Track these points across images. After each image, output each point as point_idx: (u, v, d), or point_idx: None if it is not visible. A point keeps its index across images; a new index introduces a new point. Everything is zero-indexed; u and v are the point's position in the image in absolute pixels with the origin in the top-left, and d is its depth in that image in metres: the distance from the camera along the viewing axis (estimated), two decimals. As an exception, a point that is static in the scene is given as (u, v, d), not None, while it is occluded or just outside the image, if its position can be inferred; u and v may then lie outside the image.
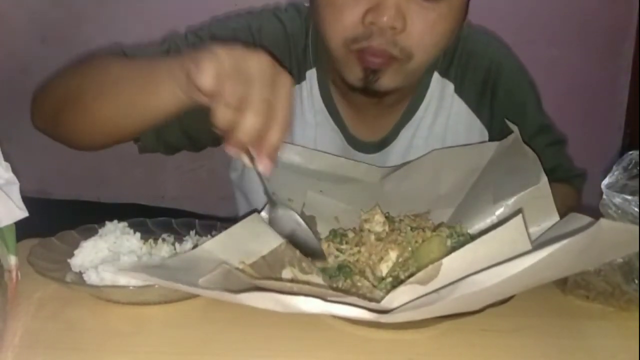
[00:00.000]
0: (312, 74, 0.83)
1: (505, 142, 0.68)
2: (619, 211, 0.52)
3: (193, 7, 1.47)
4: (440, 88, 0.84)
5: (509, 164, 0.66)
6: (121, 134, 0.71)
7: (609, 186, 0.54)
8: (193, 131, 0.80)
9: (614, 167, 0.56)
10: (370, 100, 0.78)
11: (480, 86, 0.84)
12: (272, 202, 0.62)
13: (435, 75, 0.84)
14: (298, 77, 0.83)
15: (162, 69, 0.62)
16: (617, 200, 0.52)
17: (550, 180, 0.61)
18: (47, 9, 1.69)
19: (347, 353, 0.50)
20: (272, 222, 0.61)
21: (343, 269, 0.58)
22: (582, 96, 1.56)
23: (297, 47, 0.83)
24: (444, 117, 0.84)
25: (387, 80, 0.71)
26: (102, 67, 0.70)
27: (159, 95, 0.61)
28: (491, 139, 0.83)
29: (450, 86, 0.84)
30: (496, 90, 0.84)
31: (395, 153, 0.84)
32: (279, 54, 0.76)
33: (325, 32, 0.72)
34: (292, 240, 0.59)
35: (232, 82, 0.51)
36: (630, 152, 0.56)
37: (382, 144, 0.85)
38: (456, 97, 0.85)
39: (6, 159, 0.54)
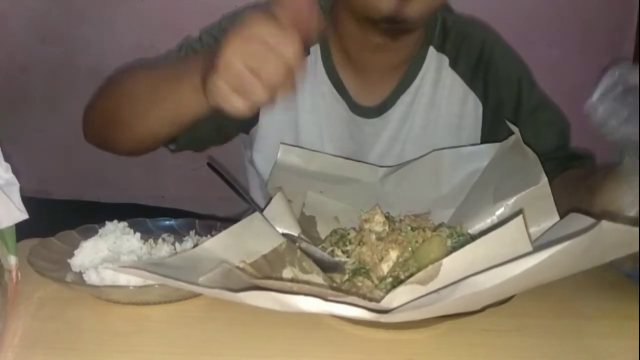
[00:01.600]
0: (315, 49, 0.88)
1: (505, 143, 0.68)
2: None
3: (193, 7, 1.47)
4: (436, 61, 0.89)
5: (509, 165, 0.66)
6: (160, 141, 0.80)
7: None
8: (223, 122, 0.83)
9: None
10: (384, 45, 0.82)
11: (473, 62, 0.89)
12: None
13: (431, 50, 0.89)
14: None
15: (184, 81, 0.67)
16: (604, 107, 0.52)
17: (556, 160, 0.62)
18: (47, 9, 1.69)
19: (347, 353, 0.50)
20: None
21: (359, 271, 0.59)
22: (582, 96, 1.56)
23: None
24: (441, 88, 0.89)
25: (416, 6, 0.74)
26: (134, 85, 0.77)
27: (186, 105, 0.68)
28: (485, 114, 0.89)
29: (445, 60, 0.89)
30: (489, 67, 0.89)
31: (394, 118, 0.88)
32: None
33: None
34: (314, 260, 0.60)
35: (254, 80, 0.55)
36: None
37: (382, 109, 0.88)
38: (450, 70, 0.89)
39: (6, 159, 0.54)
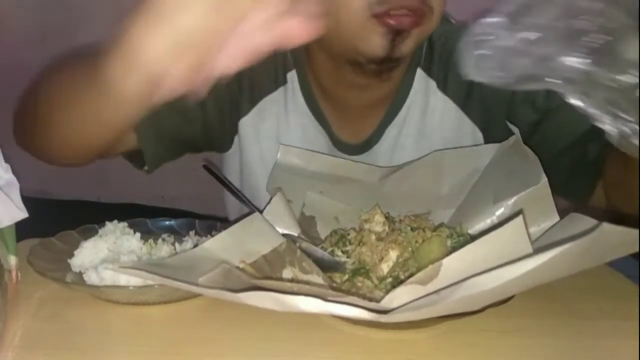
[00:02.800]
0: (292, 76, 0.82)
1: (505, 143, 0.68)
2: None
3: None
4: (424, 85, 0.81)
5: (509, 165, 0.66)
6: (94, 143, 0.63)
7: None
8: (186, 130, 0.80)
9: None
10: (367, 84, 0.75)
11: (465, 82, 0.78)
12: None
13: (419, 72, 0.81)
14: (279, 81, 0.82)
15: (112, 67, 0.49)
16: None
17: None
18: (47, 9, 1.69)
19: (347, 353, 0.50)
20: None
21: (358, 271, 0.59)
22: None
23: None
24: (431, 115, 0.81)
25: (410, 42, 0.68)
26: (62, 73, 0.62)
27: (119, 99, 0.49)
28: (488, 137, 0.80)
29: (432, 83, 0.81)
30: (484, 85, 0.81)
31: (381, 153, 0.82)
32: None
33: (341, 4, 0.66)
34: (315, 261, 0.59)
35: None
36: None
37: (366, 145, 0.82)
38: (440, 93, 0.80)
39: (6, 159, 0.54)
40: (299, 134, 0.82)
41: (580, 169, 0.73)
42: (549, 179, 0.61)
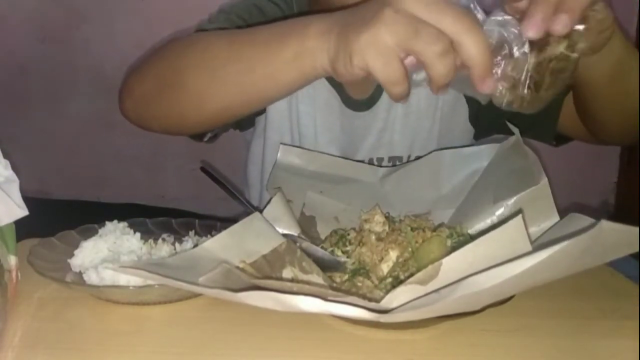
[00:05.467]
0: None
1: (506, 143, 0.68)
2: None
3: (193, 8, 1.47)
4: None
5: (509, 165, 0.66)
6: (229, 115, 0.67)
7: None
8: None
9: None
10: None
11: None
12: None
13: None
14: None
15: (287, 45, 0.55)
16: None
17: None
18: (47, 9, 1.69)
19: (346, 353, 0.50)
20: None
21: (358, 271, 0.59)
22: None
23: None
24: None
25: None
26: (208, 46, 0.64)
27: (284, 71, 0.55)
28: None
29: None
30: None
31: (381, 109, 0.87)
32: None
33: None
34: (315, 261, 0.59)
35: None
36: None
37: (370, 101, 0.87)
38: None
39: (6, 158, 0.54)
40: (311, 91, 0.85)
41: (543, 113, 0.74)
42: (515, 127, 0.65)
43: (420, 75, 0.49)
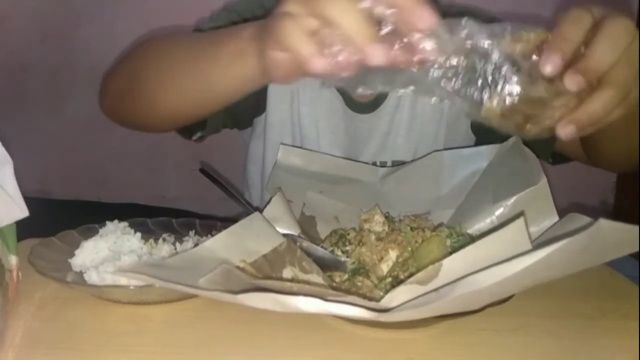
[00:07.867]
0: None
1: (505, 144, 0.68)
2: None
3: (193, 7, 1.47)
4: None
5: (509, 166, 0.67)
6: (182, 116, 0.68)
7: None
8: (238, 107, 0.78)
9: None
10: None
11: None
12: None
13: None
14: None
15: (225, 46, 0.55)
16: None
17: None
18: (47, 9, 1.69)
19: (346, 352, 0.50)
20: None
21: (358, 271, 0.59)
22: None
23: None
24: None
25: None
26: (165, 47, 0.66)
27: (227, 75, 0.56)
28: None
29: None
30: None
31: (386, 112, 0.87)
32: None
33: None
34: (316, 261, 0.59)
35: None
36: None
37: (375, 104, 0.87)
38: None
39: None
40: (315, 93, 0.85)
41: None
42: None
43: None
